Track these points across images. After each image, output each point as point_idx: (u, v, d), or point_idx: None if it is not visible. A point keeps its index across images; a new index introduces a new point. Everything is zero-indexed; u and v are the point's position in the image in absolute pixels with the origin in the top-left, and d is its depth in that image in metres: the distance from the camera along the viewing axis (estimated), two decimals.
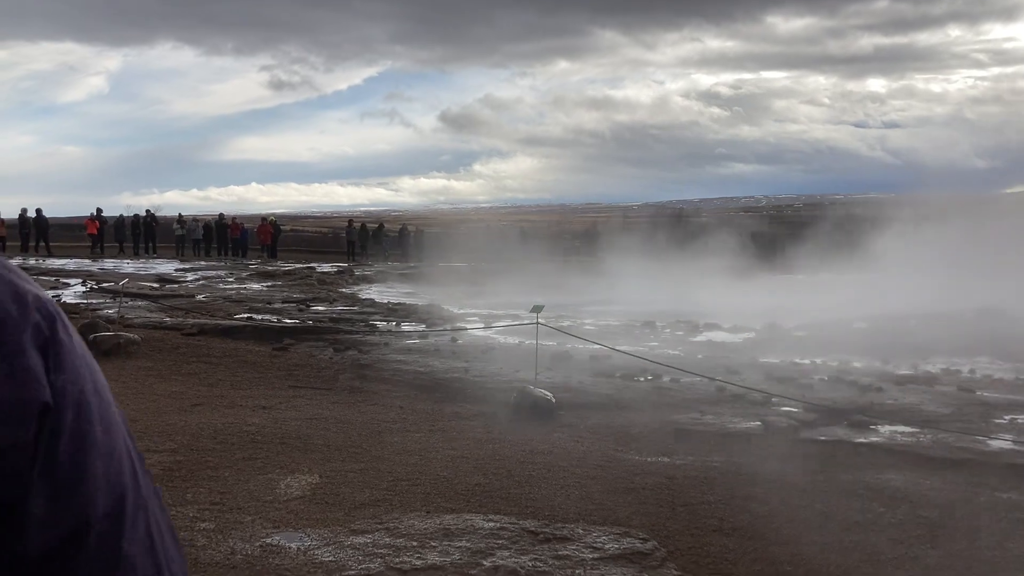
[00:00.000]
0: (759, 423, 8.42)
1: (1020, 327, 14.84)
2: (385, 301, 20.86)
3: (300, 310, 17.76)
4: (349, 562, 4.73)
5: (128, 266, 27.87)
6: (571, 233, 48.30)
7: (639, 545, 5.13)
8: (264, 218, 38.65)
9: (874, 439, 8.07)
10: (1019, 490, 6.56)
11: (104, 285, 20.28)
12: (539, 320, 10.22)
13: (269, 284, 23.96)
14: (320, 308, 18.45)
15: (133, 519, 0.78)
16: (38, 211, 33.26)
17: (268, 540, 5.07)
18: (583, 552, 4.96)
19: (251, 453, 7.06)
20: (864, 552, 5.24)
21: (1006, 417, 9.04)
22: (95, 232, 34.22)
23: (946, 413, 8.98)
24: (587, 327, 16.14)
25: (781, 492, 6.42)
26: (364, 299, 21.48)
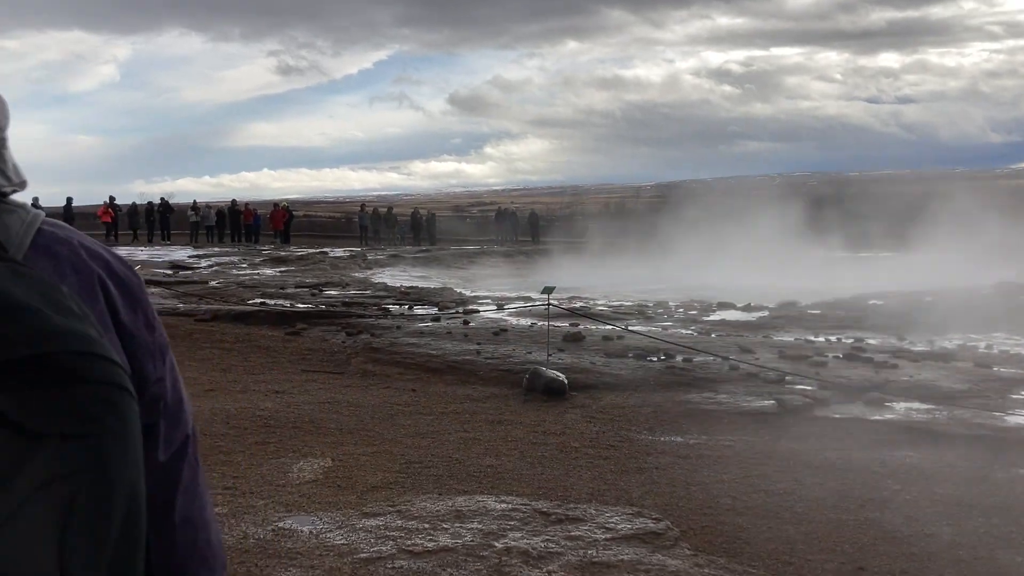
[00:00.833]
0: (773, 402, 8.37)
1: None
2: (398, 285, 20.87)
3: (313, 295, 17.78)
4: (361, 545, 4.73)
5: (142, 253, 27.97)
6: (583, 214, 48.13)
7: (652, 525, 5.10)
8: (277, 204, 38.64)
9: (890, 416, 8.01)
10: None
11: None
12: (551, 301, 10.18)
13: (282, 269, 24.01)
14: (333, 293, 18.47)
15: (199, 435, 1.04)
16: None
17: (280, 524, 5.08)
18: (595, 532, 4.94)
19: (264, 437, 7.08)
20: (880, 530, 5.20)
21: (1023, 393, 8.95)
22: (109, 220, 34.39)
23: (963, 389, 8.90)
24: (599, 307, 16.10)
25: (795, 471, 6.39)
26: (377, 283, 21.49)
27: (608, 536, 4.89)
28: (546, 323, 11.14)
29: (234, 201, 37.99)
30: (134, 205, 36.75)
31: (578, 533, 4.93)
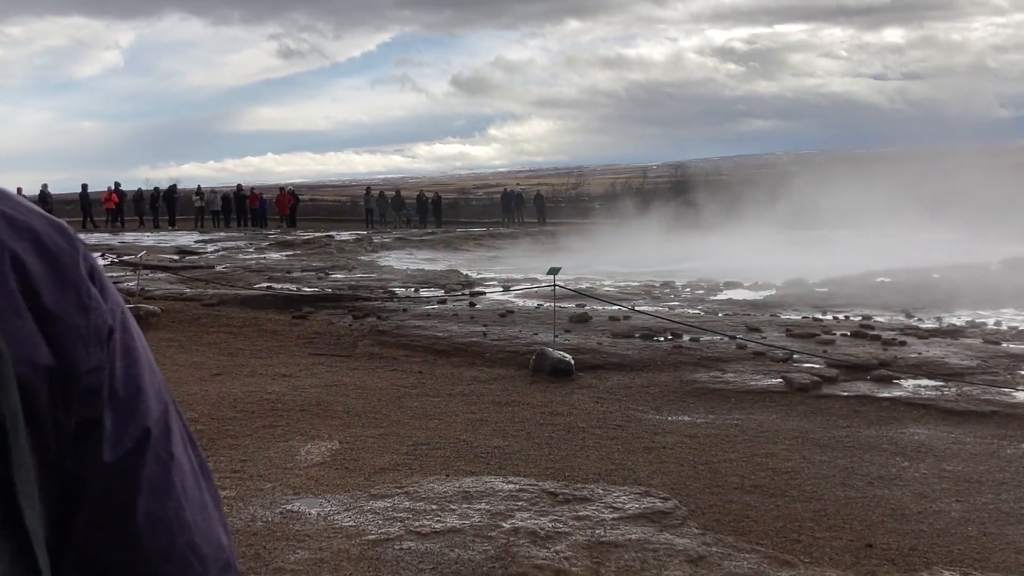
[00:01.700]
0: (780, 380, 8.35)
1: None
2: (404, 268, 20.87)
3: (319, 278, 17.78)
4: (369, 526, 4.74)
5: (148, 239, 28.00)
6: (589, 195, 48.01)
7: (660, 504, 5.10)
8: (282, 188, 38.57)
9: (898, 393, 7.98)
10: None
11: (125, 258, 20.39)
12: (557, 282, 10.16)
13: (288, 253, 24.01)
14: (339, 276, 18.46)
15: (177, 423, 0.88)
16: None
17: (288, 506, 5.09)
18: (603, 512, 4.94)
19: (271, 421, 7.09)
20: (888, 506, 5.18)
21: None
22: (113, 207, 34.45)
23: (971, 366, 8.86)
24: (606, 288, 16.07)
25: (803, 449, 6.37)
26: (383, 266, 21.49)
27: (616, 515, 4.89)
28: (552, 304, 11.12)
29: (239, 186, 37.99)
30: (139, 191, 36.83)
31: (586, 513, 4.92)
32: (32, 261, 0.80)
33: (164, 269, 18.25)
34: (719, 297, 15.35)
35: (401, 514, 4.90)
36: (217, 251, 24.35)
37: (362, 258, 23.77)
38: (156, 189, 36.36)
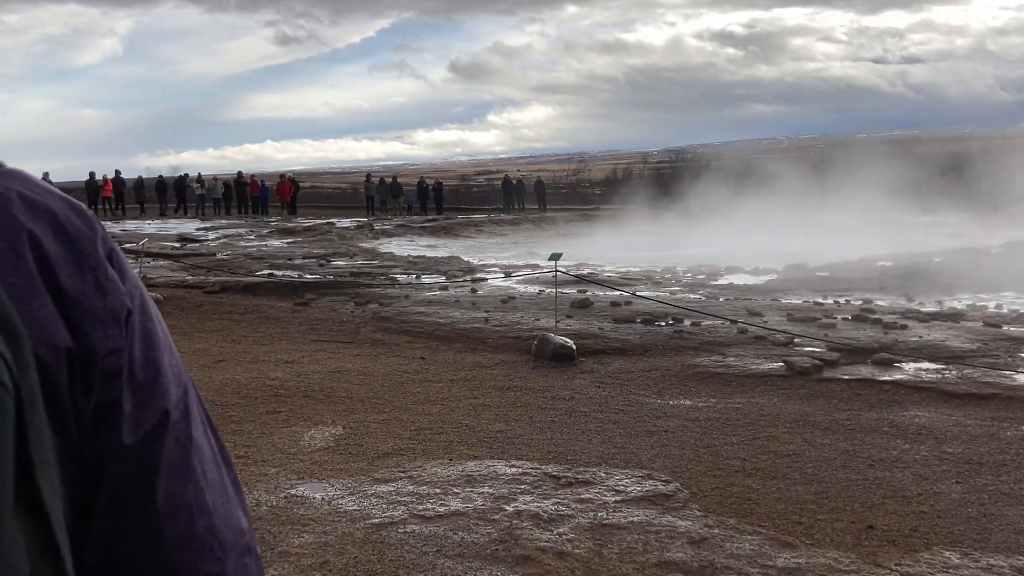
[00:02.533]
0: (781, 364, 8.37)
1: None
2: (405, 255, 20.87)
3: (320, 265, 17.80)
4: (373, 510, 4.77)
5: (149, 226, 28.00)
6: (590, 181, 47.97)
7: (662, 487, 5.13)
8: (283, 175, 38.51)
9: (899, 376, 8.01)
10: None
11: (126, 245, 20.40)
12: (558, 268, 10.18)
13: (289, 240, 24.02)
14: (340, 263, 18.48)
15: (196, 406, 0.88)
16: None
17: (293, 491, 5.12)
18: (606, 495, 4.98)
19: (275, 407, 7.12)
20: (889, 488, 5.22)
21: None
22: (109, 195, 34.43)
23: (972, 349, 8.88)
24: (607, 273, 16.08)
25: (804, 432, 6.40)
26: (384, 253, 21.49)
27: (618, 498, 4.92)
28: (554, 290, 11.14)
29: (240, 173, 37.95)
30: (140, 179, 36.84)
31: (588, 496, 4.96)
32: (50, 242, 0.79)
33: (166, 257, 18.27)
34: (720, 282, 15.37)
35: (405, 498, 4.94)
36: (218, 238, 24.36)
37: (363, 245, 23.77)
38: (161, 177, 36.42)
